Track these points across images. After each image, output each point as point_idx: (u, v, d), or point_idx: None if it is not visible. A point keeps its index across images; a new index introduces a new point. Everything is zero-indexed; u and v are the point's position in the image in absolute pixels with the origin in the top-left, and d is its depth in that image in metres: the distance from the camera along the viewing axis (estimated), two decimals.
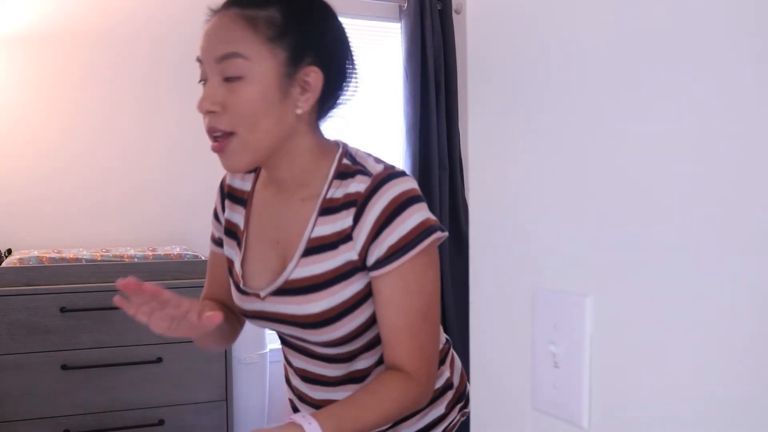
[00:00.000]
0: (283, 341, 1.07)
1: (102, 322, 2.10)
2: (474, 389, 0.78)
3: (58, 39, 2.53)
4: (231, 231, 1.06)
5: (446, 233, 0.96)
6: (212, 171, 2.41)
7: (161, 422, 2.17)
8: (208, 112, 0.89)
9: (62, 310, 2.07)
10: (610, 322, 0.58)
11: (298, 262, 0.95)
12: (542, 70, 0.66)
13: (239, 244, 1.04)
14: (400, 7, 3.03)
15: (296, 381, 1.08)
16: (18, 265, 2.13)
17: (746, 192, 0.47)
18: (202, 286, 1.17)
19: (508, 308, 0.70)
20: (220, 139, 0.89)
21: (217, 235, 1.10)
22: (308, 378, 1.05)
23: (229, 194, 1.06)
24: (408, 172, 2.98)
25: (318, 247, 0.94)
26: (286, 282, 0.96)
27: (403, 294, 0.92)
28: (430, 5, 3.00)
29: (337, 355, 0.99)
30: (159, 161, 2.63)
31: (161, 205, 2.66)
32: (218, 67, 0.88)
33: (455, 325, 3.03)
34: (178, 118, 2.63)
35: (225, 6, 0.92)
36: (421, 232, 0.91)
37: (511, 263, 0.70)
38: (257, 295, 0.99)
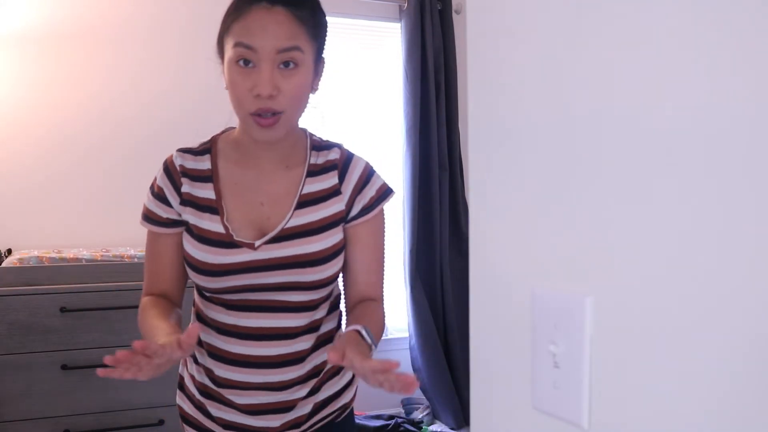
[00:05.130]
0: (234, 307, 1.15)
1: (102, 322, 2.10)
2: (474, 389, 0.78)
3: (60, 40, 2.53)
4: (197, 204, 1.16)
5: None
6: None
7: (161, 422, 2.18)
8: (269, 96, 1.05)
9: (62, 310, 2.07)
10: (610, 322, 0.58)
11: (293, 213, 1.15)
12: (542, 70, 0.66)
13: (216, 212, 1.15)
14: (400, 7, 3.03)
15: (238, 346, 1.15)
16: (18, 265, 2.13)
17: (747, 193, 0.47)
18: None
19: (508, 308, 0.70)
20: (271, 117, 1.08)
21: (164, 216, 1.17)
22: (263, 335, 1.15)
23: (183, 173, 1.17)
24: (408, 172, 3.00)
25: (309, 201, 1.16)
26: (283, 230, 1.14)
27: (377, 236, 1.22)
28: (430, 5, 3.00)
29: (310, 302, 1.16)
30: (159, 162, 2.63)
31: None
32: (278, 56, 1.06)
33: (455, 324, 3.04)
34: (178, 118, 2.63)
35: (270, 2, 1.07)
36: (386, 188, 1.23)
37: (511, 263, 0.70)
38: (251, 246, 1.12)
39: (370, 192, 1.19)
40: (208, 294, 1.16)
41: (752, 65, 0.46)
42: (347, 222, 1.19)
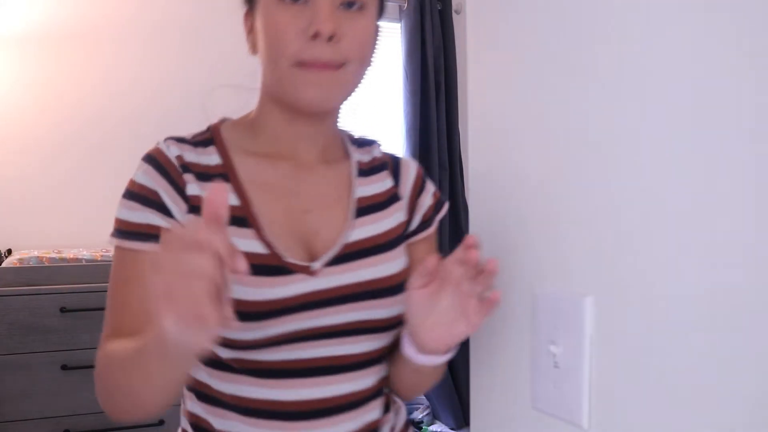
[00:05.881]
0: (274, 373, 0.77)
1: (102, 322, 2.10)
2: (474, 389, 0.79)
3: (59, 40, 2.54)
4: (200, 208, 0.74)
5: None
6: None
7: (161, 422, 2.17)
8: (330, 37, 0.76)
9: (62, 310, 2.07)
10: (610, 322, 0.58)
11: (354, 224, 0.83)
12: (542, 68, 0.66)
13: (247, 223, 0.78)
14: (400, 7, 3.03)
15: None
16: (18, 265, 2.13)
17: (747, 193, 0.47)
18: None
19: (508, 308, 0.71)
20: (330, 70, 0.77)
21: (157, 223, 0.76)
22: (323, 410, 0.78)
23: (185, 169, 0.79)
24: None
25: (368, 207, 0.86)
26: (345, 246, 0.81)
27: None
28: (430, 5, 3.00)
29: (380, 352, 0.82)
30: None
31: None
32: None
33: None
34: (178, 119, 2.63)
35: None
36: (440, 196, 0.94)
37: (512, 264, 0.70)
38: (306, 270, 0.77)
39: (426, 200, 0.90)
40: (227, 356, 0.77)
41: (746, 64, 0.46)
42: (406, 237, 0.88)
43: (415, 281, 0.72)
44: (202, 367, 0.81)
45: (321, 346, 0.77)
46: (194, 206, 0.78)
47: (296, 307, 0.75)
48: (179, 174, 0.79)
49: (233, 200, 0.79)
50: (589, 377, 0.60)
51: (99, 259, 2.22)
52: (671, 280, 0.52)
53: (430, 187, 0.92)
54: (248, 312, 0.73)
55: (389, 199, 0.88)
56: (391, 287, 0.80)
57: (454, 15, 3.12)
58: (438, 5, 3.04)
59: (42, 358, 2.07)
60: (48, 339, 2.07)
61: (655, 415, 0.54)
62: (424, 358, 0.75)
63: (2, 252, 2.37)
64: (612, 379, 0.58)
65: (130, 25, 2.62)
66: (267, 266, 0.75)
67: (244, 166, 0.82)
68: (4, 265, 2.15)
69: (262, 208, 0.80)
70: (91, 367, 1.90)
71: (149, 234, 0.76)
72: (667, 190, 0.53)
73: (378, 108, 3.14)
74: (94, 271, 2.15)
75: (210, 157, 0.81)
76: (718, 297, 0.49)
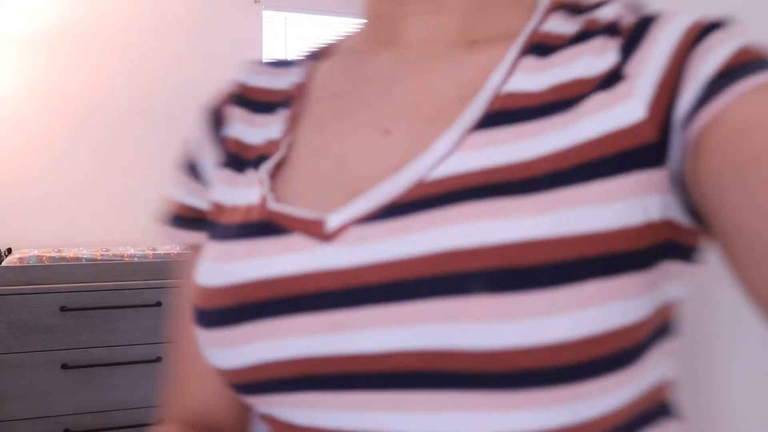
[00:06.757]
0: None
1: (102, 322, 2.10)
2: None
3: (58, 40, 2.53)
4: (242, 158, 0.48)
5: None
6: None
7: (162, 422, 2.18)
8: None
9: (62, 309, 2.07)
10: None
11: (461, 141, 0.39)
12: None
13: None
14: None
15: None
16: (18, 264, 2.13)
17: None
18: None
19: None
20: None
21: (191, 203, 0.50)
22: None
23: (239, 99, 0.51)
24: None
25: (518, 112, 0.39)
26: (419, 185, 0.38)
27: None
28: None
29: None
30: (159, 161, 2.64)
31: (161, 205, 2.66)
32: None
33: None
34: (179, 117, 2.63)
35: None
36: (755, 59, 0.36)
37: None
38: (314, 228, 0.39)
39: (718, 50, 0.36)
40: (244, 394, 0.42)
41: None
42: (686, 123, 0.36)
43: None
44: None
45: (348, 408, 0.37)
46: (231, 154, 0.48)
47: (286, 303, 0.38)
48: (224, 112, 0.50)
49: (278, 132, 0.47)
50: None
51: (99, 258, 2.22)
52: None
53: (721, 45, 0.37)
54: (207, 311, 0.41)
55: (597, 86, 0.39)
56: (533, 268, 0.33)
57: None
58: None
59: (42, 358, 2.07)
60: (48, 338, 2.07)
61: None
62: None
63: (2, 251, 2.38)
64: None
65: (132, 26, 2.62)
66: (247, 225, 0.42)
67: (323, 76, 0.50)
68: (4, 263, 2.16)
69: (310, 136, 0.46)
70: (91, 366, 1.91)
71: (185, 218, 0.49)
72: None
73: None
74: (94, 270, 2.15)
75: (286, 78, 0.50)
76: (719, 295, 0.48)
